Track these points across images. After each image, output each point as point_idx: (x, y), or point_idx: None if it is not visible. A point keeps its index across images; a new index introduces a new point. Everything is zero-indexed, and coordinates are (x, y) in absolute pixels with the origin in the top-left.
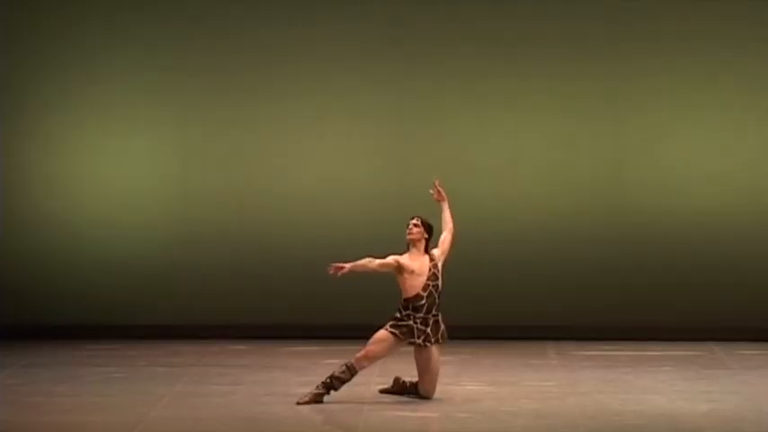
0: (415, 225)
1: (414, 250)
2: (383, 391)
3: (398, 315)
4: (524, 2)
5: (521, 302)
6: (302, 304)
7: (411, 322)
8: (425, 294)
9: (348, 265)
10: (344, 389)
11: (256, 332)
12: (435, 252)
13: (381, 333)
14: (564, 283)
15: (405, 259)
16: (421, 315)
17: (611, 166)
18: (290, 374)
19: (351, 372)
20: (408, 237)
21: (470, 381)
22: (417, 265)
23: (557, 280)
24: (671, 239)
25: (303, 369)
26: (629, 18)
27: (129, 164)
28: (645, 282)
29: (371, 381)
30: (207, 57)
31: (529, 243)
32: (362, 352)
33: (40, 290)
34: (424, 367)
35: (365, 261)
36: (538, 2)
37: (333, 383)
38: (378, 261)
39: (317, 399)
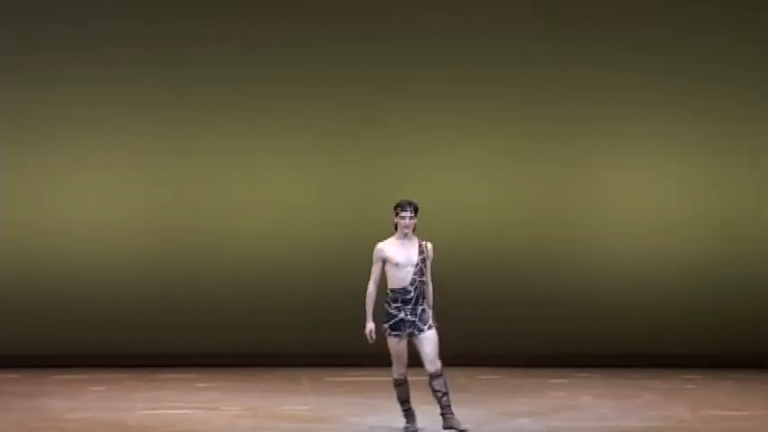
0: (411, 218)
1: (403, 237)
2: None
3: (389, 307)
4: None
5: (277, 331)
6: (67, 333)
7: (403, 315)
8: (412, 289)
9: (370, 325)
10: (110, 414)
11: (27, 361)
12: (430, 250)
13: (391, 342)
14: (317, 314)
15: (392, 249)
16: (410, 307)
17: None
18: (58, 401)
19: (401, 385)
20: (405, 231)
21: (230, 406)
22: (404, 254)
23: (311, 311)
24: None
25: (72, 396)
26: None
27: None
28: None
29: (135, 406)
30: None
31: (286, 276)
32: (394, 365)
33: None
34: (420, 350)
35: (368, 300)
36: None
37: (405, 407)
38: (372, 285)
39: (410, 421)
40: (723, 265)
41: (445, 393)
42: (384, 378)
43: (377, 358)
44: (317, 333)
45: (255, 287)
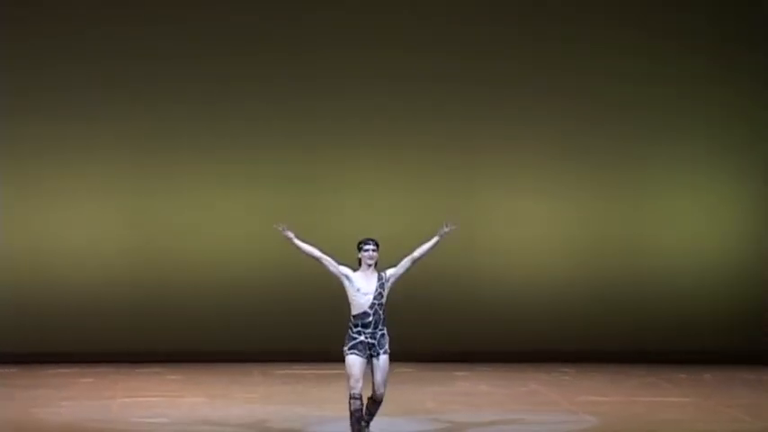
0: (374, 250)
1: (366, 269)
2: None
3: (350, 332)
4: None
5: (233, 333)
6: (59, 334)
7: (362, 338)
8: (371, 312)
9: (291, 234)
10: (96, 402)
11: (25, 358)
12: (390, 271)
13: (348, 359)
14: (266, 319)
15: (355, 276)
16: (369, 330)
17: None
18: (52, 391)
19: (357, 399)
20: (369, 262)
21: (192, 394)
22: (365, 283)
23: (261, 316)
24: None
25: (64, 387)
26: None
27: None
28: (326, 315)
29: (116, 395)
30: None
31: (240, 288)
32: (349, 381)
33: None
34: (372, 374)
35: (312, 248)
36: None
37: (356, 417)
38: (323, 255)
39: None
40: (596, 277)
41: (373, 414)
42: (322, 371)
43: (318, 354)
44: (267, 334)
45: (215, 297)
